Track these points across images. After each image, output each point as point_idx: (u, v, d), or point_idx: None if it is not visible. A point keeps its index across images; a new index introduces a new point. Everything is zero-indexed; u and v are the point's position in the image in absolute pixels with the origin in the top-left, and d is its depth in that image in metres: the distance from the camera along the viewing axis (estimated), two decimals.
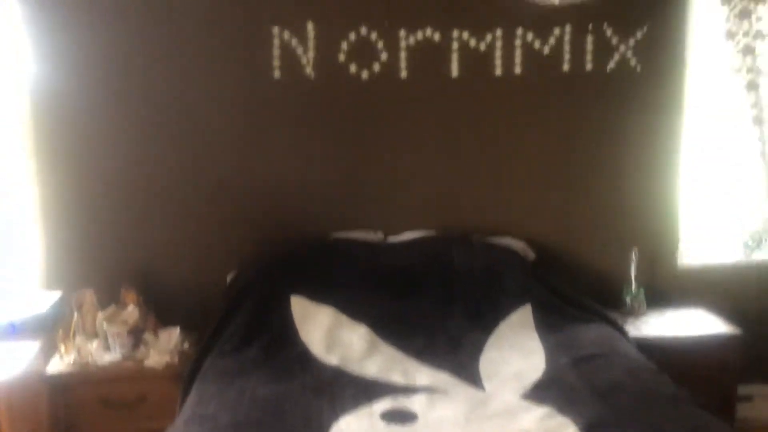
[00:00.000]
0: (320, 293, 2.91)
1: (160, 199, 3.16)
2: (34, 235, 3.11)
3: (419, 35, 3.19)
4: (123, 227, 3.16)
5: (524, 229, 3.34)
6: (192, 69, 3.11)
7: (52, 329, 2.88)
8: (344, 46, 3.16)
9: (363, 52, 3.18)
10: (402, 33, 3.18)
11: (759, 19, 3.16)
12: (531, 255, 3.27)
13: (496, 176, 3.35)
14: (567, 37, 3.25)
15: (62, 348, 2.88)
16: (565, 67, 3.28)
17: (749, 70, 3.19)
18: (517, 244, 3.27)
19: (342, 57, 3.17)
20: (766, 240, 3.39)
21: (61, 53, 3.02)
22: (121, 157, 3.12)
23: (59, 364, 2.85)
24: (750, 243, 3.41)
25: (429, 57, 3.21)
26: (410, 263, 3.10)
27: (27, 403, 2.69)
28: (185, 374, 2.64)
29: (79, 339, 2.89)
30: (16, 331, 2.78)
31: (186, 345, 2.98)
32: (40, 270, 3.12)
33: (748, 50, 3.17)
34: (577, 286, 3.20)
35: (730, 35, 3.19)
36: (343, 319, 2.83)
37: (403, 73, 3.21)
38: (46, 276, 3.12)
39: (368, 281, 3.00)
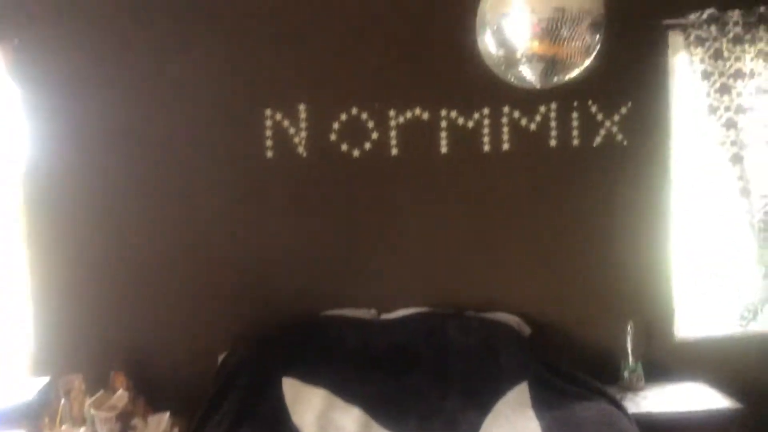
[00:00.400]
0: (313, 374, 2.86)
1: (151, 281, 3.16)
2: (24, 319, 3.07)
3: (408, 114, 3.27)
4: (113, 310, 3.14)
5: (518, 304, 3.33)
6: (185, 148, 3.16)
7: (38, 417, 2.80)
8: (335, 125, 3.23)
9: (354, 131, 3.24)
10: (392, 113, 3.26)
11: (739, 94, 3.25)
12: (526, 330, 3.24)
13: (488, 251, 3.36)
14: (553, 114, 3.33)
15: None
16: (552, 142, 3.34)
17: (733, 144, 3.25)
18: (512, 320, 3.24)
19: (333, 136, 3.24)
20: (761, 311, 3.37)
21: (56, 137, 3.08)
22: (111, 240, 3.13)
23: None
24: (746, 314, 3.39)
25: (418, 135, 3.28)
26: (404, 341, 3.06)
27: None
28: None
29: (65, 426, 2.81)
30: (1, 420, 2.71)
31: (176, 430, 2.90)
32: (29, 355, 3.07)
33: (731, 124, 3.24)
34: (573, 361, 3.17)
35: (712, 110, 3.27)
36: (336, 401, 2.78)
37: (394, 151, 3.27)
38: (35, 361, 3.08)
39: (361, 360, 2.96)
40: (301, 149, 3.22)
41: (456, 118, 3.28)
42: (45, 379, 2.94)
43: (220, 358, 3.09)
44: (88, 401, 2.89)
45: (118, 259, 3.13)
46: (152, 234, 3.16)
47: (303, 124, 3.21)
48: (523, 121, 3.32)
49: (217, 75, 3.16)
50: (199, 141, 3.17)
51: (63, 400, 2.90)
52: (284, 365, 2.90)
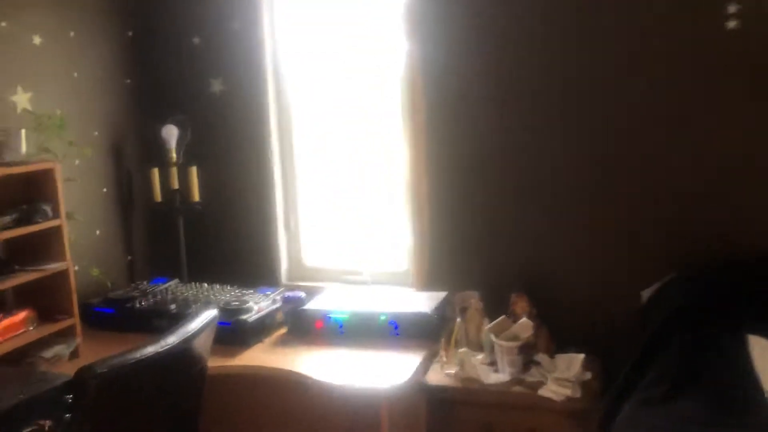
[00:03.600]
0: None
1: (560, 193, 2.61)
2: (419, 232, 2.81)
3: None
4: (515, 226, 2.68)
5: None
6: (610, 14, 2.46)
7: (434, 333, 2.52)
8: None
9: None
10: None
11: None
12: None
13: None
14: None
15: (444, 357, 2.51)
16: None
17: None
18: None
19: None
20: None
21: (450, 41, 2.65)
22: (517, 148, 2.64)
23: (440, 374, 2.48)
24: None
25: None
26: None
27: (407, 413, 2.38)
28: (598, 420, 2.06)
29: (463, 350, 2.49)
30: (398, 331, 2.50)
31: (588, 375, 2.37)
32: (424, 268, 2.81)
33: None
34: None
35: None
36: None
37: None
38: (429, 275, 2.80)
39: None
40: None
41: None
42: (441, 294, 2.64)
43: (644, 295, 2.43)
44: (487, 325, 2.52)
45: (526, 169, 2.64)
46: (564, 141, 2.59)
47: None
48: None
49: None
50: (624, 15, 2.45)
51: (459, 319, 2.59)
52: (746, 318, 2.12)
